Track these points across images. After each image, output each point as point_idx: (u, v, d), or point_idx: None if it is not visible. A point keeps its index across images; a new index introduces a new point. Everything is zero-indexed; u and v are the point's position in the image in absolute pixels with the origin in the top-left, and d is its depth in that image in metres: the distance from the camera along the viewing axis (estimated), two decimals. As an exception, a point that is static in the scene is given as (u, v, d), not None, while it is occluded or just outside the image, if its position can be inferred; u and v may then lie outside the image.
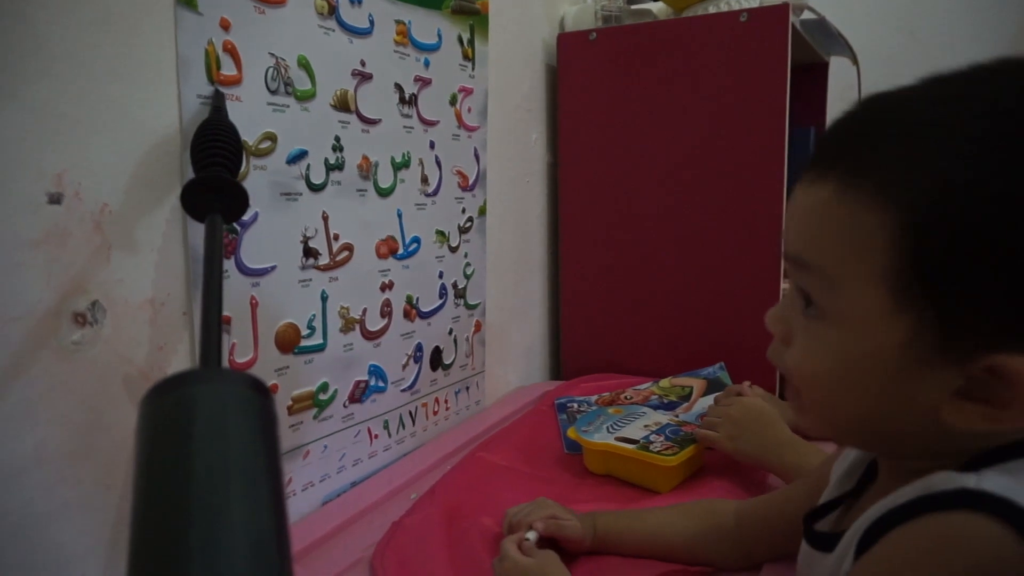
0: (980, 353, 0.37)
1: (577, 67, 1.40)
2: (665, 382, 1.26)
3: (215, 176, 0.62)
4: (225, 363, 0.75)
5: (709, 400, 1.18)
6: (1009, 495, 0.35)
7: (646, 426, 1.00)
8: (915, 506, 0.38)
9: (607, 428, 1.00)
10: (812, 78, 1.75)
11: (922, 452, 0.42)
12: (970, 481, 0.37)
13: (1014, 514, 0.33)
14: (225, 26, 0.73)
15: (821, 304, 0.42)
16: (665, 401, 1.20)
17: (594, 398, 1.24)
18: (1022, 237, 0.35)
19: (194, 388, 0.36)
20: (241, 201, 0.64)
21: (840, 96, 1.84)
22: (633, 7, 1.48)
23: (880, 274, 0.38)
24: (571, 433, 1.02)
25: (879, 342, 0.39)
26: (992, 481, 0.37)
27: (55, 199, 0.59)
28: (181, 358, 0.71)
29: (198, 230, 0.71)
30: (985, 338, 0.37)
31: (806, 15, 1.41)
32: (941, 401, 0.38)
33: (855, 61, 1.54)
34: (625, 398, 1.22)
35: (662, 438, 0.96)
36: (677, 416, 1.13)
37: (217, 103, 0.70)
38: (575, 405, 1.21)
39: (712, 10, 1.31)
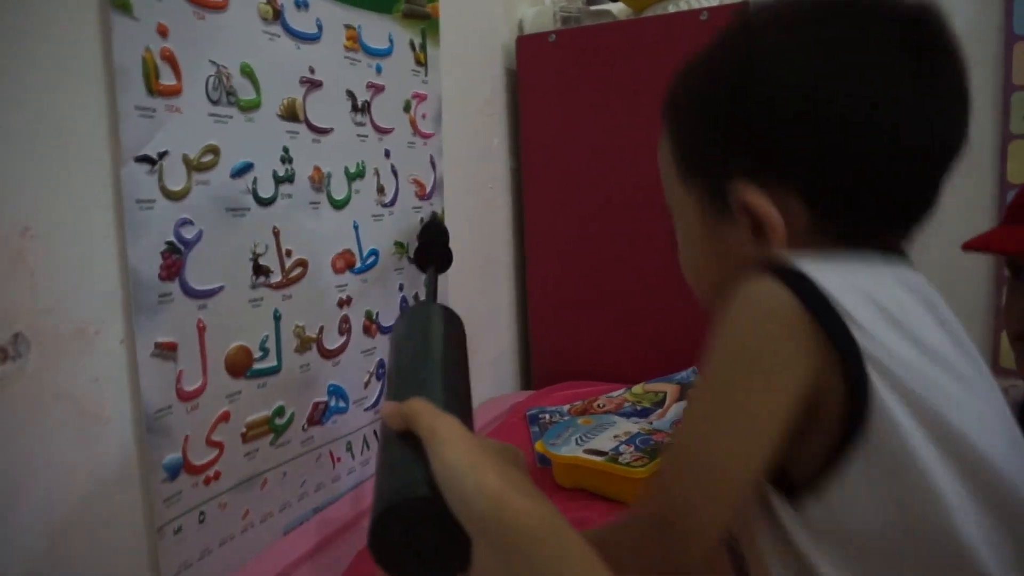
0: (732, 196, 0.47)
1: (537, 69, 1.38)
2: (638, 388, 1.23)
3: (434, 242, 0.96)
4: (173, 394, 0.71)
5: (683, 406, 1.16)
6: (797, 266, 0.43)
7: (616, 436, 0.97)
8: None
9: (576, 440, 0.97)
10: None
11: None
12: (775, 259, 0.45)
13: (792, 278, 0.42)
14: (163, 32, 0.69)
15: (674, 216, 0.57)
16: (639, 408, 1.17)
17: (566, 407, 1.21)
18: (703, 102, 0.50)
19: (429, 305, 0.66)
20: (447, 260, 0.95)
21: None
22: (592, 8, 1.46)
23: (675, 175, 0.53)
24: (539, 447, 0.99)
25: (691, 220, 0.53)
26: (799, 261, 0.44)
27: (-32, 224, 0.54)
28: (120, 389, 0.67)
29: (142, 253, 0.67)
30: (725, 181, 0.47)
31: (766, 12, 1.40)
32: (746, 249, 0.47)
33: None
34: (598, 406, 1.20)
35: (632, 448, 0.93)
36: (651, 423, 1.10)
37: (433, 215, 1.13)
38: (547, 416, 1.18)
39: (672, 9, 1.29)
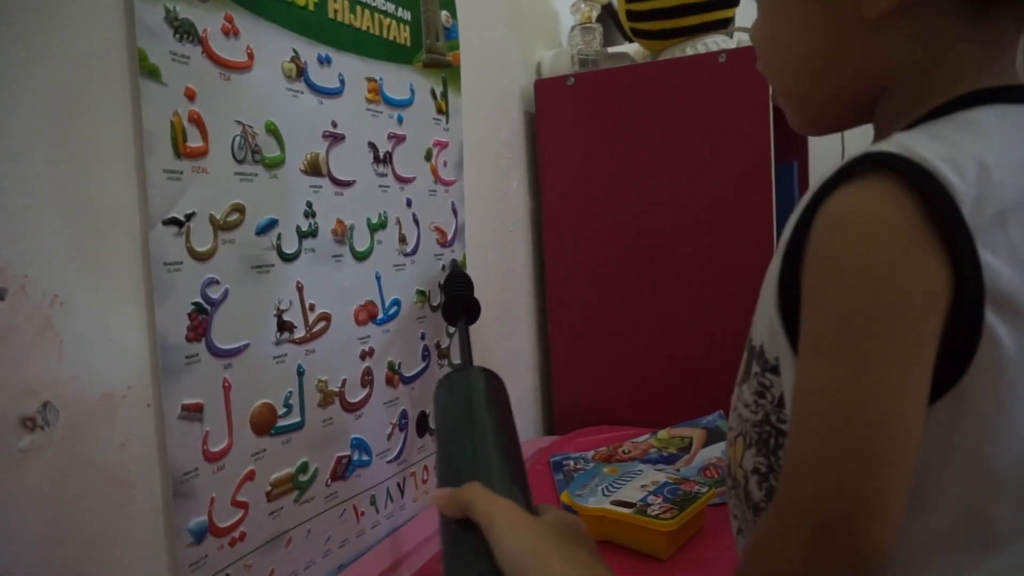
0: None
1: (555, 112, 1.38)
2: (663, 433, 1.21)
3: (461, 295, 1.01)
4: (199, 455, 0.70)
5: (711, 451, 1.14)
6: (905, 152, 0.36)
7: (643, 486, 0.96)
8: (829, 184, 0.39)
9: (602, 490, 0.96)
10: (791, 112, 1.74)
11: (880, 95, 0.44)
12: (882, 146, 0.38)
13: (904, 166, 0.34)
14: (190, 95, 0.69)
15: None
16: (664, 454, 1.15)
17: (591, 453, 1.20)
18: None
19: (467, 372, 0.68)
20: (475, 311, 1.01)
21: (820, 128, 1.83)
22: (610, 50, 1.47)
23: None
24: (565, 498, 0.97)
25: None
26: (900, 141, 0.37)
27: (-2, 295, 0.54)
28: (147, 453, 0.66)
29: (169, 316, 0.67)
30: None
31: (783, 52, 1.40)
32: (872, 26, 0.40)
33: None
34: (623, 452, 1.18)
35: (660, 499, 0.91)
36: (678, 471, 1.08)
37: (454, 264, 1.12)
38: (571, 463, 1.16)
39: (690, 51, 1.30)
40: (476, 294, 1.12)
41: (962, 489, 0.38)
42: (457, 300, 0.99)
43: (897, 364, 0.35)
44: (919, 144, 0.37)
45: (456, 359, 1.14)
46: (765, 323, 0.45)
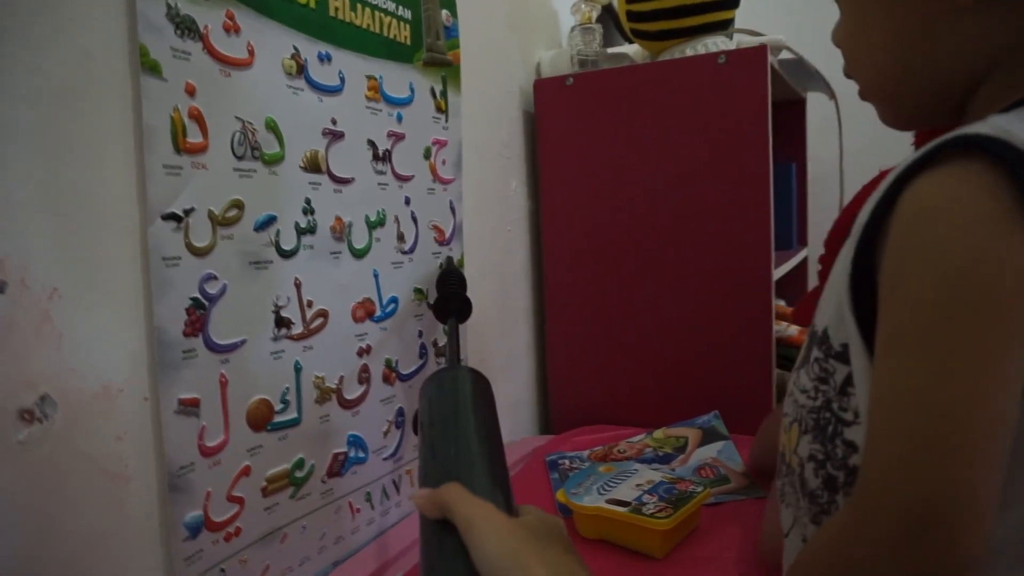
0: None
1: (555, 112, 1.38)
2: (659, 433, 1.21)
3: (453, 293, 0.98)
4: (195, 450, 0.70)
5: (706, 451, 1.14)
6: (1002, 135, 0.34)
7: (638, 485, 0.96)
8: (914, 167, 0.37)
9: (598, 489, 0.96)
10: (789, 114, 1.75)
11: (957, 105, 0.44)
12: (975, 128, 0.36)
13: (1000, 149, 0.33)
14: (190, 91, 0.70)
15: None
16: (660, 453, 1.15)
17: (586, 453, 1.20)
18: None
19: (454, 372, 0.67)
20: (467, 310, 0.99)
21: (818, 128, 1.84)
22: (610, 51, 1.47)
23: None
24: (560, 496, 0.97)
25: None
26: (996, 123, 0.35)
27: (-2, 288, 0.55)
28: (143, 447, 0.66)
29: (167, 311, 0.67)
30: None
31: (784, 55, 1.41)
32: (966, 14, 0.40)
33: (832, 95, 1.53)
34: (618, 452, 1.18)
35: (655, 498, 0.91)
36: (673, 470, 1.09)
37: (449, 261, 1.11)
38: (567, 462, 1.16)
39: (689, 52, 1.30)
40: (473, 293, 1.12)
41: None
42: (449, 298, 0.99)
43: (990, 357, 0.34)
44: (1016, 127, 0.35)
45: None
46: (833, 307, 0.44)
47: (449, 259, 1.12)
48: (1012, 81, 0.42)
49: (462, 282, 1.03)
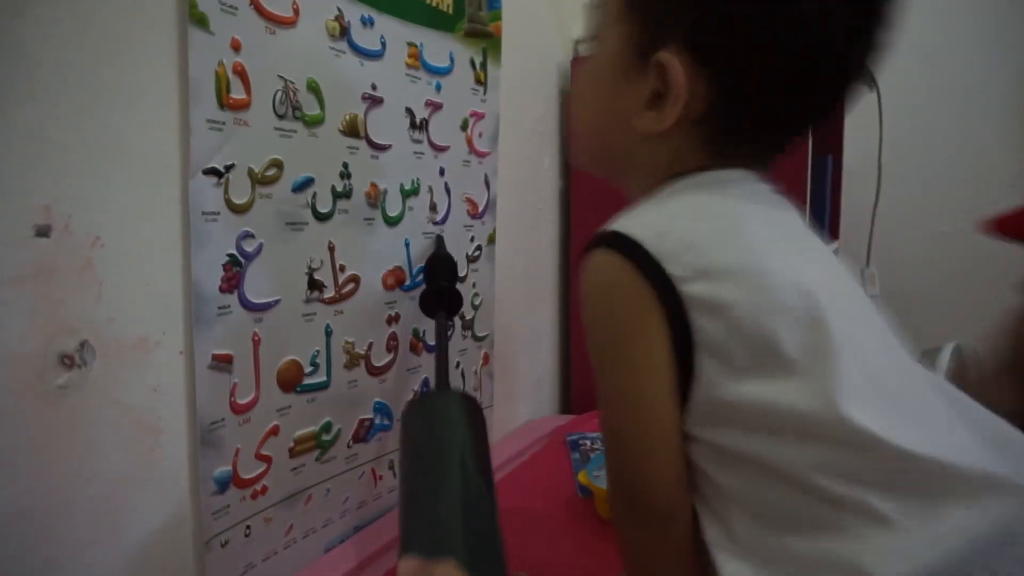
0: (654, 52, 0.49)
1: (591, 91, 1.37)
2: (681, 418, 1.21)
3: (441, 286, 0.91)
4: (227, 406, 0.70)
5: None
6: (625, 229, 0.48)
7: (662, 468, 0.95)
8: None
9: (622, 471, 0.95)
10: (828, 104, 1.72)
11: (632, 172, 0.59)
12: (614, 224, 0.50)
13: (621, 243, 0.47)
14: (235, 47, 0.69)
15: (597, 38, 0.56)
16: (681, 439, 1.14)
17: (607, 434, 1.19)
18: None
19: (440, 399, 0.68)
20: (457, 304, 0.92)
21: (857, 122, 1.80)
22: (648, 31, 1.45)
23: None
24: (582, 478, 0.97)
25: (610, 48, 0.54)
26: (624, 220, 0.50)
27: (43, 232, 0.55)
28: (176, 400, 0.67)
29: (204, 266, 0.67)
30: (657, 38, 0.49)
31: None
32: (635, 110, 0.52)
33: (874, 85, 1.50)
34: (639, 435, 1.17)
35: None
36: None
37: (439, 244, 0.98)
38: (588, 442, 1.16)
39: (731, 35, 1.28)
40: (502, 268, 1.11)
41: None
42: (438, 291, 0.91)
43: (637, 374, 0.47)
44: (630, 219, 0.50)
45: (479, 332, 1.14)
46: None
47: (439, 239, 1.00)
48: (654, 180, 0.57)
49: (453, 270, 0.95)
